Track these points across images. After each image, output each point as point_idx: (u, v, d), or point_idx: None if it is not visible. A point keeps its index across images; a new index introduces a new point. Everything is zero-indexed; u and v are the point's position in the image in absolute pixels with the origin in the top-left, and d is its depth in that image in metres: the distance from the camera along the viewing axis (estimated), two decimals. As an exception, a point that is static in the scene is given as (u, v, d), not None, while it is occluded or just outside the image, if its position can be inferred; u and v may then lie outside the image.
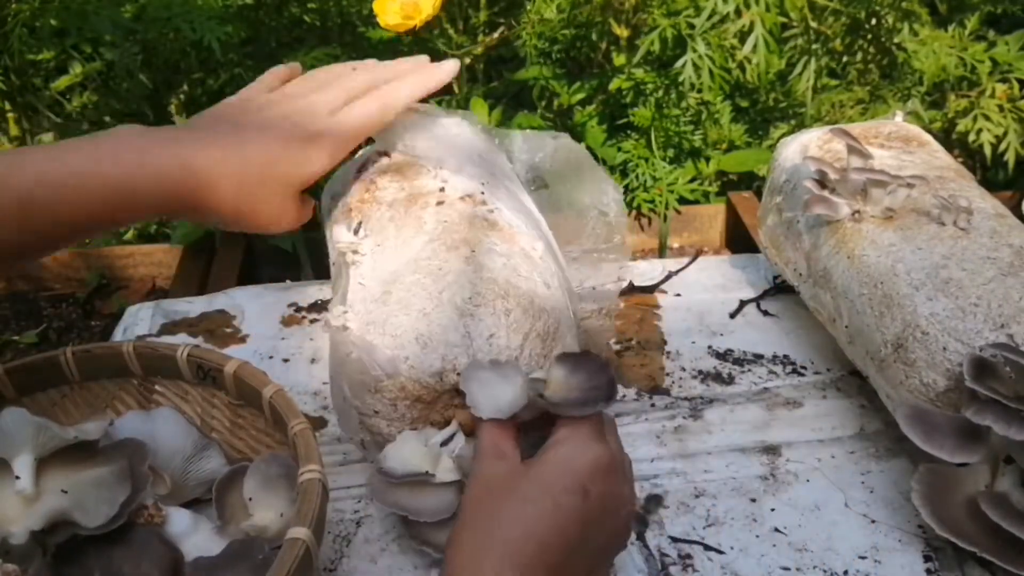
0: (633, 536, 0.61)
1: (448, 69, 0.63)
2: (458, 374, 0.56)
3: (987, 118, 1.10)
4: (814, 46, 1.08)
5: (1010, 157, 1.09)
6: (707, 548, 0.60)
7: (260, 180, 0.56)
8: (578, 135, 1.21)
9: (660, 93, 1.08)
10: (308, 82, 0.62)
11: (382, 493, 0.56)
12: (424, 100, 0.68)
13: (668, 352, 0.79)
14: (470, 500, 0.49)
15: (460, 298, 0.57)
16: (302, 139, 0.58)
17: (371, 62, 0.65)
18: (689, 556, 0.59)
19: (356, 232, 0.64)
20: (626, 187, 1.14)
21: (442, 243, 0.60)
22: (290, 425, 0.53)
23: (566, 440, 0.50)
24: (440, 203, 0.63)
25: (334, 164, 0.60)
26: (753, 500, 0.64)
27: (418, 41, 1.24)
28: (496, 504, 0.48)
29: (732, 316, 0.84)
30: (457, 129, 0.68)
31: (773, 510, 0.63)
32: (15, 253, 0.53)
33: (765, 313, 0.84)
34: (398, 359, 0.56)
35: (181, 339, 0.81)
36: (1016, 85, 1.12)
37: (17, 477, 0.52)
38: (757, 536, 0.61)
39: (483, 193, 0.65)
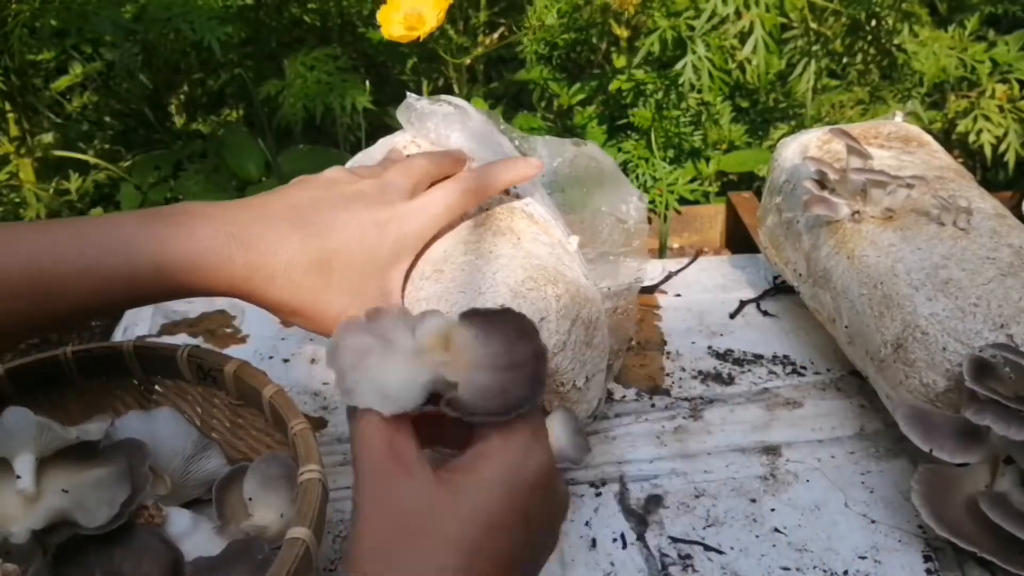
0: (633, 536, 0.61)
1: (534, 164, 0.62)
2: None
3: (987, 119, 1.10)
4: (814, 47, 1.08)
5: (1010, 157, 1.09)
6: (707, 548, 0.60)
7: (325, 260, 0.53)
8: (578, 136, 1.21)
9: (660, 94, 1.08)
10: (385, 164, 0.61)
11: None
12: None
13: (668, 352, 0.79)
14: (371, 535, 0.36)
15: (513, 280, 0.58)
16: (381, 219, 0.55)
17: (454, 151, 0.64)
18: (689, 556, 0.59)
19: None
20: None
21: (487, 228, 0.61)
22: (290, 425, 0.53)
23: (499, 453, 0.38)
24: None
25: (416, 246, 0.58)
26: (753, 500, 0.64)
27: (418, 42, 1.24)
28: (412, 548, 0.35)
29: (732, 316, 0.84)
30: (486, 127, 0.69)
31: (773, 510, 0.63)
32: (23, 328, 0.50)
33: (765, 313, 0.84)
34: None
35: (181, 339, 0.81)
36: (1016, 86, 1.12)
37: (18, 476, 0.52)
38: (757, 536, 0.61)
39: (516, 187, 0.66)
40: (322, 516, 0.49)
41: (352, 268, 0.54)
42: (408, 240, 0.57)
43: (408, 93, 0.69)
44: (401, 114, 0.69)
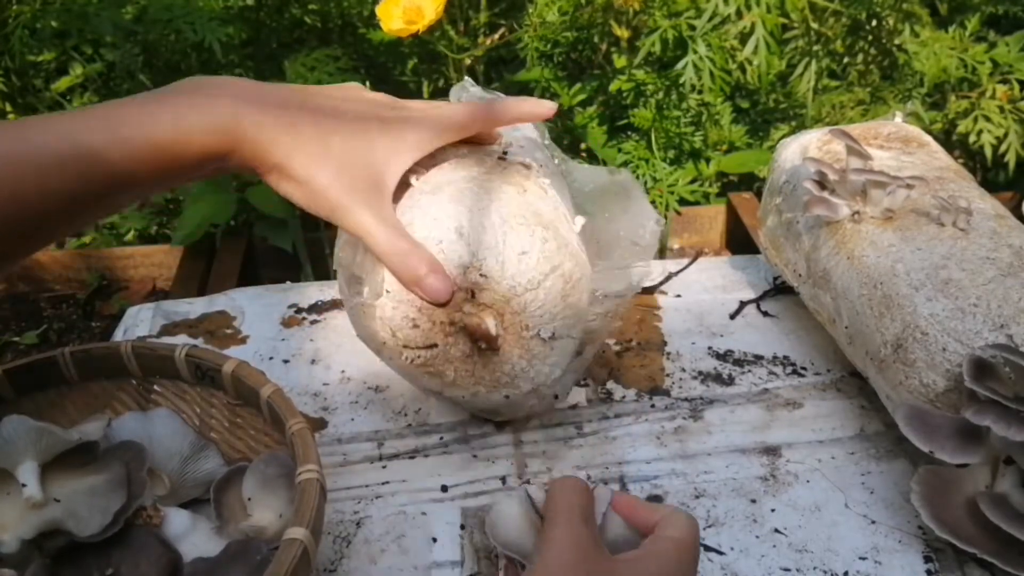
0: (633, 537, 0.61)
1: (548, 105, 0.64)
2: (482, 275, 0.57)
3: (987, 119, 1.10)
4: (815, 47, 1.08)
5: (1010, 158, 1.09)
6: (707, 549, 0.60)
7: (327, 130, 0.55)
8: (579, 136, 1.21)
9: (661, 94, 1.08)
10: None
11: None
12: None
13: (668, 353, 0.79)
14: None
15: (507, 212, 0.58)
16: (386, 117, 0.57)
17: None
18: (688, 557, 0.59)
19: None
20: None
21: (497, 175, 0.62)
22: (288, 425, 0.53)
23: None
24: (502, 158, 0.65)
25: (414, 150, 0.58)
26: (753, 501, 0.64)
27: (419, 43, 1.24)
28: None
29: (732, 317, 0.84)
30: (533, 132, 0.71)
31: (773, 511, 0.63)
32: (67, 206, 0.50)
33: (765, 314, 0.84)
34: (431, 240, 0.57)
35: (181, 340, 0.81)
36: (1016, 86, 1.12)
37: (24, 485, 0.51)
38: (757, 537, 0.61)
39: (540, 167, 0.66)
40: (320, 516, 0.49)
41: (347, 149, 0.55)
42: (407, 143, 0.58)
43: (465, 77, 0.71)
44: (454, 94, 0.71)
